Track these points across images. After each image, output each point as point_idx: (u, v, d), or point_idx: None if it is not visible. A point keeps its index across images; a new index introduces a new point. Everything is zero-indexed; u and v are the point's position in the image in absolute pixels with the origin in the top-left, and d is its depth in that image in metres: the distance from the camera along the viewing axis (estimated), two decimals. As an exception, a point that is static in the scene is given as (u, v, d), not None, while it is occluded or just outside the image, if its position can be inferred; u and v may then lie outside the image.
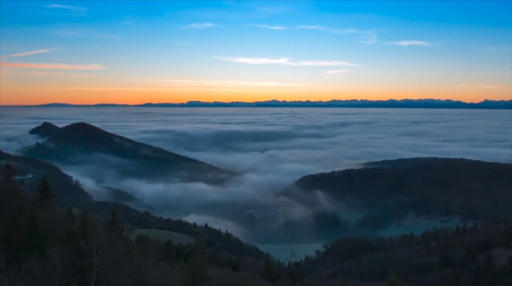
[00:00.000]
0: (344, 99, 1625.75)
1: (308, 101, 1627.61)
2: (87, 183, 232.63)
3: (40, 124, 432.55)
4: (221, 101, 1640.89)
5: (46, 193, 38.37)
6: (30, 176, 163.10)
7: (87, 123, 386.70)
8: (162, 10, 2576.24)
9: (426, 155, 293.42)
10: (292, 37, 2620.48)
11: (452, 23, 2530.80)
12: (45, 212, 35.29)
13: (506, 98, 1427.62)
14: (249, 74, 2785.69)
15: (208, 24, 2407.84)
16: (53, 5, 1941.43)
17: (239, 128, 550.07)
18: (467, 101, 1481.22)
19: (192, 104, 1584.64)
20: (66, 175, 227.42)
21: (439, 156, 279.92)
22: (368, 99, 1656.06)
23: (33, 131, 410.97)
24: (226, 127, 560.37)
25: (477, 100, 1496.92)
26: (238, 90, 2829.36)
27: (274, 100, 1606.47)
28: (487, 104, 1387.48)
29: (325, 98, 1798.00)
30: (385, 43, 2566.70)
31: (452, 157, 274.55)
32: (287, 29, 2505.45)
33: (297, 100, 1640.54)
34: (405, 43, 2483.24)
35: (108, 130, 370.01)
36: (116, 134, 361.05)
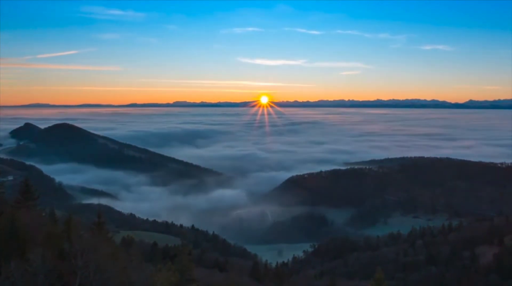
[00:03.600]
0: (332, 99, 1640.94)
1: (296, 101, 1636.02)
2: (70, 185, 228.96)
3: (21, 125, 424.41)
4: (208, 101, 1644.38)
5: (28, 195, 37.43)
6: (11, 178, 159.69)
7: (70, 123, 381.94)
8: (209, 14, 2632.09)
9: (412, 155, 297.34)
10: (324, 40, 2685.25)
11: (466, 27, 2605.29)
12: (26, 214, 34.34)
13: (491, 98, 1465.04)
14: (257, 75, 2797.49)
15: (250, 29, 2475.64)
16: (114, 11, 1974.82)
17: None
18: (453, 101, 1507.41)
19: (179, 104, 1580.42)
20: (48, 177, 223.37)
21: (425, 156, 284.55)
22: (355, 99, 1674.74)
23: (14, 132, 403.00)
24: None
25: (462, 100, 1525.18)
26: (238, 90, 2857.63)
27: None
28: (471, 104, 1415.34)
29: (313, 98, 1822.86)
30: (409, 47, 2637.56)
31: (438, 156, 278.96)
32: (323, 34, 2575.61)
33: (284, 100, 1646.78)
34: (428, 47, 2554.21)
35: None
36: (100, 135, 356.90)
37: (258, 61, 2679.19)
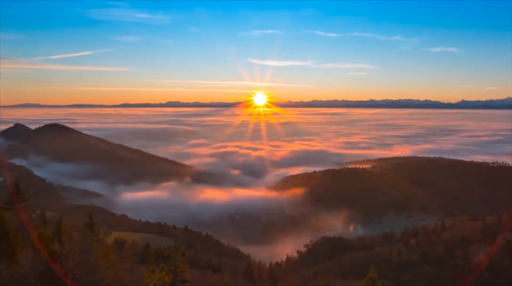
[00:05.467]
0: (325, 100, 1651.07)
1: (289, 101, 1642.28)
2: (62, 186, 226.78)
3: (11, 125, 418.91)
4: (201, 101, 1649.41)
5: (19, 196, 36.91)
6: (0, 179, 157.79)
7: (60, 124, 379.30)
8: (233, 17, 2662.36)
9: (405, 155, 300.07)
10: (340, 42, 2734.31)
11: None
12: (17, 216, 33.87)
13: (483, 98, 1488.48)
14: (261, 75, 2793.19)
15: (269, 31, 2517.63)
16: (143, 15, 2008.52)
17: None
18: (445, 101, 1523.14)
19: (171, 104, 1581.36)
20: (39, 178, 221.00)
21: (418, 155, 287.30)
22: (349, 99, 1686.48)
23: (3, 133, 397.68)
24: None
25: (454, 100, 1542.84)
26: (235, 90, 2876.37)
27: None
28: (463, 104, 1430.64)
29: (306, 99, 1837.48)
30: (420, 49, 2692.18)
31: (431, 156, 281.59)
32: (340, 36, 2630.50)
33: (279, 101, 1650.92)
34: (437, 49, 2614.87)
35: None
36: (92, 135, 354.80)
37: (267, 62, 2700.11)
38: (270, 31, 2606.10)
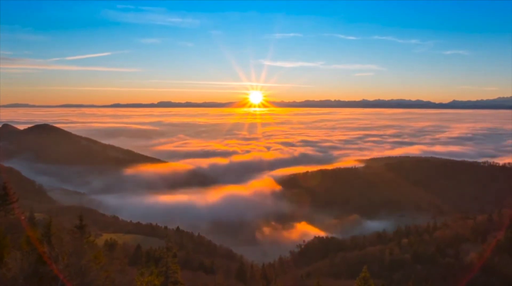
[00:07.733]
0: (318, 100, 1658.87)
1: (282, 102, 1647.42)
2: (51, 187, 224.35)
3: None
4: (193, 101, 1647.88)
5: (7, 198, 36.27)
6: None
7: (51, 125, 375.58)
8: (260, 20, 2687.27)
9: (397, 154, 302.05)
10: (355, 45, 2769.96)
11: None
12: (5, 218, 33.21)
13: (474, 98, 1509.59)
14: (265, 76, 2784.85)
15: (291, 34, 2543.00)
16: (175, 19, 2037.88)
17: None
18: (437, 101, 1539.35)
19: (163, 104, 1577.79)
20: (28, 179, 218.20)
21: (410, 155, 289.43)
22: (341, 99, 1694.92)
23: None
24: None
25: (446, 100, 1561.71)
26: (234, 90, 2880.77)
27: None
28: (455, 104, 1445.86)
29: (299, 99, 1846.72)
30: (432, 52, 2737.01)
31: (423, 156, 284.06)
32: (359, 39, 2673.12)
33: (272, 100, 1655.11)
34: (448, 52, 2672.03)
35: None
36: (83, 136, 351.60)
37: (278, 63, 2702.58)
38: (291, 34, 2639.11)
